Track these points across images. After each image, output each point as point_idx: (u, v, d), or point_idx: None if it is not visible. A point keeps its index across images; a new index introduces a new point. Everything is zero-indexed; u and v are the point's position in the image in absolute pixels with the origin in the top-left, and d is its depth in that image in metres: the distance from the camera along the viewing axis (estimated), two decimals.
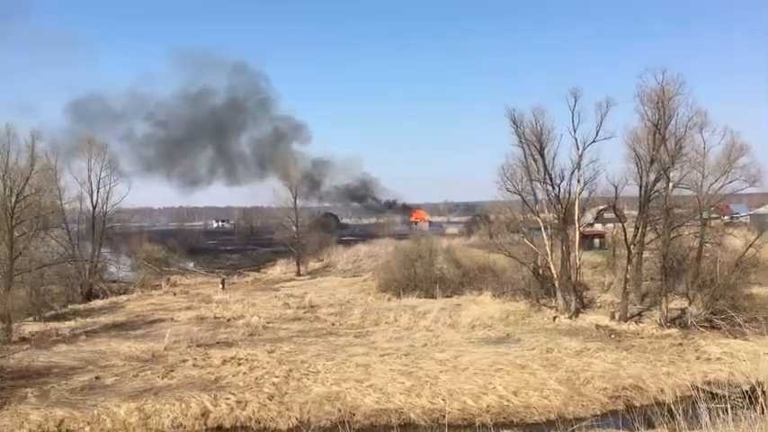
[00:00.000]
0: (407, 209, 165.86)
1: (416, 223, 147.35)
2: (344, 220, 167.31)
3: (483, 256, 55.81)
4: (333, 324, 39.46)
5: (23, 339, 35.17)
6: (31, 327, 38.49)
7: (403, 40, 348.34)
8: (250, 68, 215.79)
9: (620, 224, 42.42)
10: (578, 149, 39.59)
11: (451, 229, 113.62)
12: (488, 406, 22.96)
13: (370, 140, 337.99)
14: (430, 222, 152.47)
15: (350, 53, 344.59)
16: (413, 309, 42.42)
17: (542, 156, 40.29)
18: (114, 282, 60.87)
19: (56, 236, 52.47)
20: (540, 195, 42.03)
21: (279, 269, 74.81)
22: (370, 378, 25.85)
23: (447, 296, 47.12)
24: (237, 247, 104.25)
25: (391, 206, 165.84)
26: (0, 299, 35.89)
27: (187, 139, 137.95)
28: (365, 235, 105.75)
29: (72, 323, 40.53)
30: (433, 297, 46.92)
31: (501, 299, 43.72)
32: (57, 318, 42.87)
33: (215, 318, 42.05)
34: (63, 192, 54.31)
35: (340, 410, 22.65)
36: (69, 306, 48.59)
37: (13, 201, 38.54)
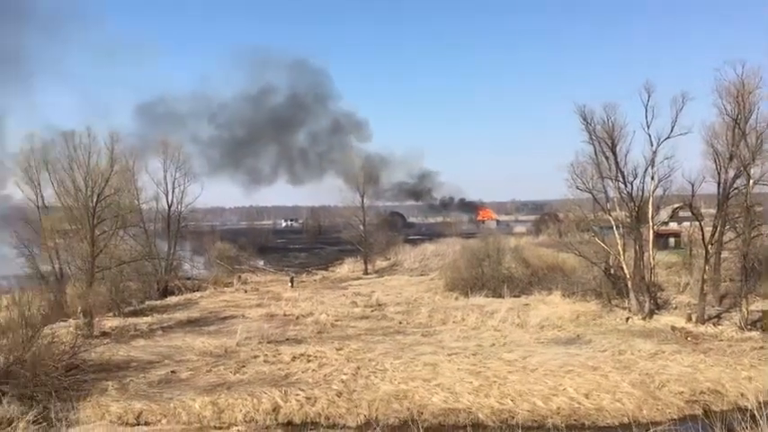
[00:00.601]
0: (474, 207, 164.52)
1: (483, 222, 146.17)
2: (411, 219, 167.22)
3: (552, 256, 54.90)
4: (400, 323, 39.54)
5: (104, 334, 36.61)
6: (111, 322, 40.00)
7: (465, 37, 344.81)
8: (311, 65, 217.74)
9: (697, 223, 40.91)
10: (652, 146, 38.38)
11: (519, 228, 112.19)
12: (559, 408, 22.52)
13: (433, 139, 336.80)
14: (497, 221, 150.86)
15: (411, 53, 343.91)
16: (480, 308, 42.06)
17: (614, 153, 39.27)
18: (188, 279, 62.68)
19: (133, 234, 54.33)
20: (612, 193, 40.97)
21: (346, 268, 75.52)
22: (438, 377, 25.77)
23: (515, 296, 46.52)
24: (306, 246, 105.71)
25: (457, 204, 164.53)
26: (83, 295, 37.54)
27: (250, 139, 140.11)
28: (432, 234, 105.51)
29: (149, 319, 41.97)
30: (500, 296, 46.42)
31: (571, 299, 42.83)
32: (135, 313, 44.49)
33: (284, 315, 42.78)
34: (140, 192, 56.34)
35: (408, 409, 22.64)
36: (146, 302, 50.29)
37: (95, 201, 39.99)
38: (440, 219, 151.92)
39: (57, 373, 24.86)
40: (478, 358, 28.69)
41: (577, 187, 41.37)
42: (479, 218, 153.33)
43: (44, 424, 21.00)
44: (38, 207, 46.86)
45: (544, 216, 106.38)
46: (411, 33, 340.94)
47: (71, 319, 37.79)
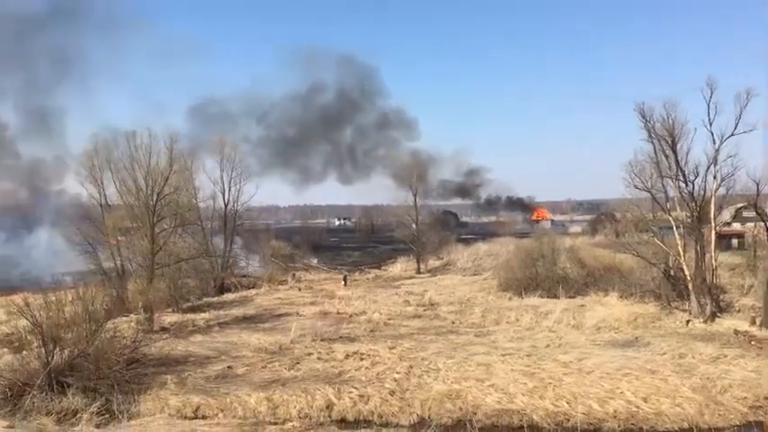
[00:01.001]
0: (526, 206, 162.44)
1: (538, 222, 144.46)
2: (464, 219, 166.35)
3: (609, 256, 53.76)
4: (453, 322, 39.37)
5: (164, 329, 37.58)
6: (170, 317, 41.03)
7: (520, 36, 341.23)
8: (361, 63, 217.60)
9: (762, 223, 39.48)
10: (714, 144, 37.25)
11: (575, 228, 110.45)
12: (615, 411, 22.05)
13: (485, 138, 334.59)
14: (552, 221, 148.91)
15: (461, 51, 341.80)
16: (535, 309, 41.53)
17: (674, 151, 38.22)
18: (244, 276, 63.80)
19: (191, 232, 55.54)
20: (672, 193, 39.90)
21: (399, 267, 75.58)
22: (492, 378, 25.56)
23: (570, 297, 45.74)
24: (359, 245, 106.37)
25: (505, 202, 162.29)
26: (143, 291, 38.59)
27: (300, 138, 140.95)
28: (485, 233, 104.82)
29: (206, 315, 42.84)
30: (555, 297, 45.71)
31: (628, 300, 41.84)
32: (193, 309, 45.49)
33: (338, 313, 43.09)
34: (198, 191, 57.67)
35: (461, 409, 22.54)
36: (204, 299, 51.40)
37: (155, 199, 41.12)
38: (493, 218, 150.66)
39: (118, 366, 25.60)
40: (533, 359, 28.33)
41: (636, 186, 40.45)
42: (534, 217, 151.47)
43: (107, 416, 21.70)
44: (101, 205, 48.22)
45: (600, 216, 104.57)
46: (464, 31, 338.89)
47: (132, 315, 38.86)
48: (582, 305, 42.38)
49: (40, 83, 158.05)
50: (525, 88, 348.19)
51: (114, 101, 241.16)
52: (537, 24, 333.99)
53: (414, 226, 73.04)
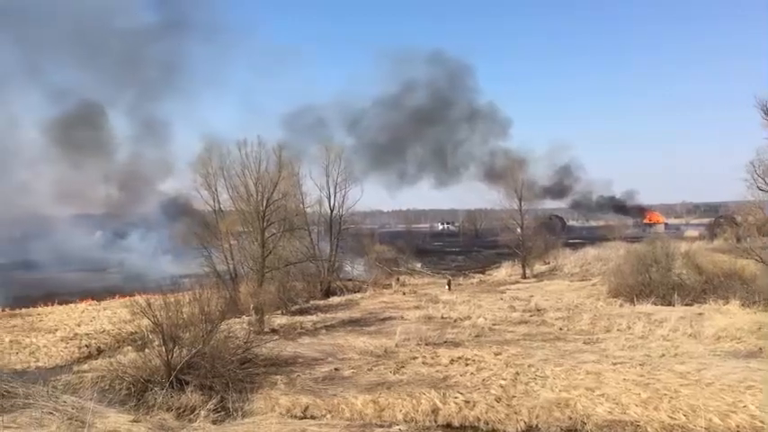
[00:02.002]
0: (640, 210, 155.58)
1: (651, 225, 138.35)
2: (571, 223, 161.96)
3: (729, 262, 50.79)
4: (560, 329, 38.41)
5: (273, 330, 38.80)
6: (279, 319, 42.30)
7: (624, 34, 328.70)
8: (453, 61, 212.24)
9: None
10: None
11: (691, 232, 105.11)
12: (738, 426, 20.79)
13: (590, 139, 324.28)
14: (666, 224, 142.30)
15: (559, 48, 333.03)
16: (647, 316, 39.82)
17: None
18: (349, 280, 65.03)
19: (299, 237, 57.16)
20: None
21: (504, 271, 74.60)
22: (602, 387, 24.74)
23: (687, 304, 43.53)
24: (462, 249, 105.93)
25: (609, 204, 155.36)
26: (254, 293, 40.06)
27: (393, 141, 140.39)
28: (593, 238, 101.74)
29: (314, 317, 43.93)
30: (670, 305, 43.63)
31: (751, 309, 39.34)
32: (301, 312, 46.77)
33: (442, 318, 43.01)
34: (305, 196, 59.37)
35: (570, 418, 21.97)
36: (311, 302, 52.63)
37: (264, 205, 42.64)
38: (602, 222, 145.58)
39: (232, 365, 26.71)
40: (646, 369, 27.18)
41: (759, 188, 38.05)
42: (646, 221, 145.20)
43: (222, 413, 22.68)
44: (215, 211, 50.65)
45: (719, 219, 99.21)
46: (562, 30, 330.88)
47: (244, 316, 40.38)
48: (699, 313, 40.25)
49: (149, 92, 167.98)
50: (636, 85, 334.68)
51: (214, 108, 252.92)
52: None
53: (519, 230, 71.91)
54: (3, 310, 51.84)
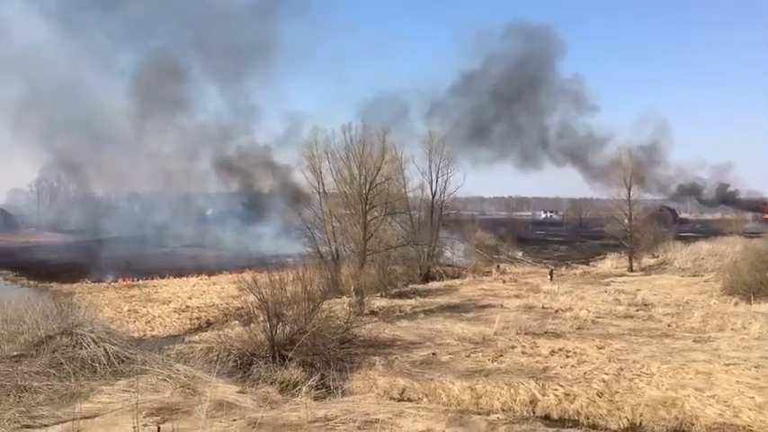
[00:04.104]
0: (757, 203, 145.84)
1: None
2: (683, 215, 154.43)
3: None
4: (668, 325, 36.78)
5: (373, 312, 39.40)
6: (378, 302, 42.85)
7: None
8: (542, 36, 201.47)
9: None
10: None
11: None
12: None
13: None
14: None
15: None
16: (766, 316, 37.47)
17: None
18: (449, 266, 64.92)
19: (400, 221, 57.58)
20: None
21: (609, 263, 72.19)
22: (713, 388, 23.51)
23: None
24: (565, 239, 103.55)
25: (720, 194, 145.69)
26: (355, 275, 40.80)
27: (478, 122, 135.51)
28: (707, 232, 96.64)
29: (412, 302, 44.20)
30: None
31: None
32: (400, 295, 47.16)
33: (543, 308, 42.21)
34: (407, 181, 59.67)
35: (677, 418, 21.02)
36: (410, 286, 53.01)
37: (367, 188, 43.29)
38: (717, 215, 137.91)
39: (332, 344, 27.35)
40: (763, 372, 25.60)
41: None
42: (766, 216, 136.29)
43: (323, 390, 23.28)
44: (319, 193, 51.82)
45: None
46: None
47: (344, 297, 41.19)
48: None
49: (240, 73, 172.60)
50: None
51: (300, 91, 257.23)
52: None
53: (626, 221, 69.28)
54: (124, 280, 55.48)
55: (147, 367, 20.00)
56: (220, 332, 31.56)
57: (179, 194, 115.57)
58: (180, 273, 59.40)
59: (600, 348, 29.83)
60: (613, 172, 71.63)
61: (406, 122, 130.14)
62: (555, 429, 20.08)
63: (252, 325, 29.40)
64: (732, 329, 34.95)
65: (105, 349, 19.94)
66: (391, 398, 23.36)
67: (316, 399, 20.95)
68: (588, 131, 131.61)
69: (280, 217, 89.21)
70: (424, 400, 23.21)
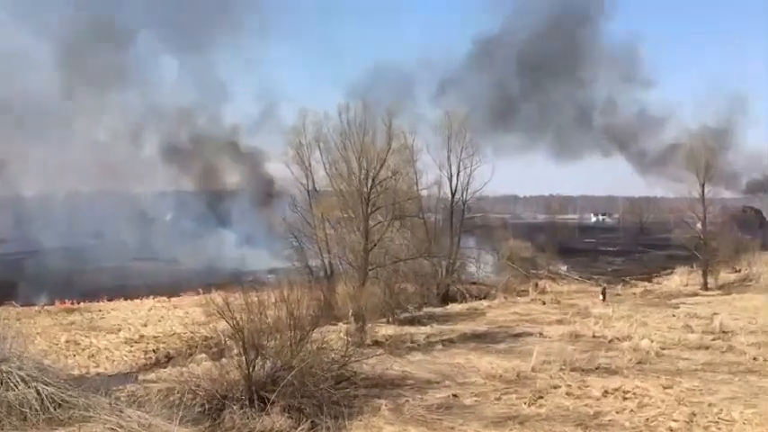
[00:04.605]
0: None
1: None
2: None
3: None
4: (754, 358, 36.73)
5: (377, 343, 39.23)
6: (384, 329, 42.68)
7: None
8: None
9: None
10: None
11: None
12: None
13: None
14: None
15: None
16: None
17: None
18: (473, 283, 64.88)
19: (411, 227, 57.23)
20: None
21: (677, 279, 72.30)
22: None
23: None
24: (622, 249, 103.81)
25: None
26: (354, 296, 40.55)
27: (505, 100, 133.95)
28: None
29: (427, 329, 44.20)
30: None
31: None
32: (411, 321, 47.11)
33: (593, 336, 42.17)
34: (420, 175, 59.16)
35: None
36: (424, 309, 52.87)
37: (369, 185, 42.78)
38: None
39: (326, 384, 27.19)
40: None
41: None
42: None
43: None
44: (308, 191, 51.58)
45: None
46: None
47: (341, 323, 41.06)
48: None
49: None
50: None
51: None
52: None
53: (699, 226, 69.13)
54: (61, 303, 55.60)
55: (91, 413, 19.99)
56: (183, 369, 31.59)
57: (125, 194, 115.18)
58: (132, 294, 59.54)
59: (666, 388, 29.80)
60: (677, 162, 71.42)
61: (411, 104, 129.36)
62: None
63: (223, 360, 29.41)
64: None
65: (38, 390, 19.94)
66: None
67: None
68: (641, 109, 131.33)
69: (252, 220, 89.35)
70: None
